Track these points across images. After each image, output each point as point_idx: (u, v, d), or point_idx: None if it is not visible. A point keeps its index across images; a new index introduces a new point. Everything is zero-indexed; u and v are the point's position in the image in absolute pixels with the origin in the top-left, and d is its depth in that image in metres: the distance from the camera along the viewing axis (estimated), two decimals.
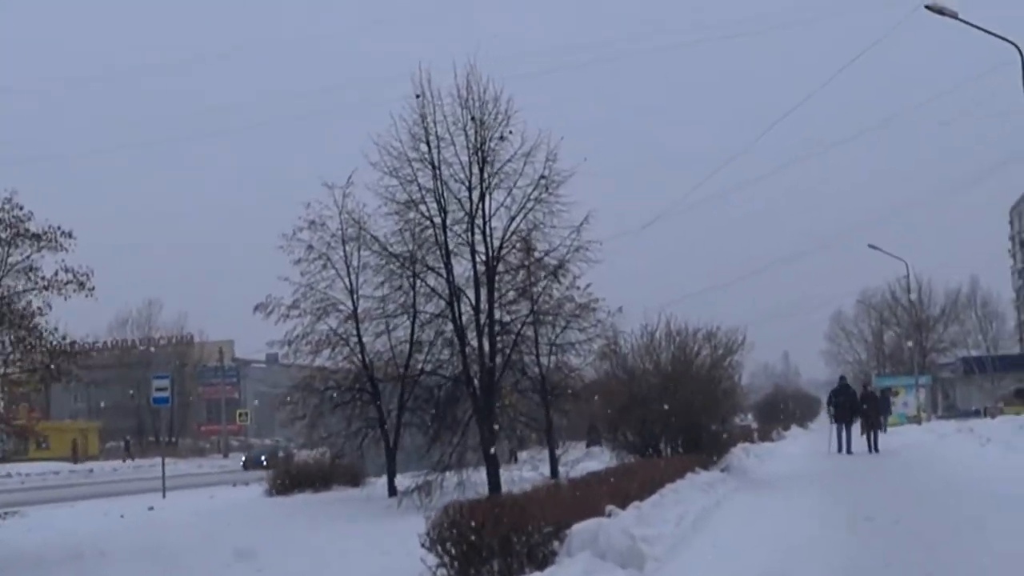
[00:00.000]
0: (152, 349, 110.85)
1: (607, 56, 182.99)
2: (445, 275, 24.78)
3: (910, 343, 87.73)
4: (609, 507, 13.21)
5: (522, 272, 26.16)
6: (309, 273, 28.23)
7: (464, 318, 24.90)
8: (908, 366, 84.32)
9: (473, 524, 10.96)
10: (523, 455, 38.29)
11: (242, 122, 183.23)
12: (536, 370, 31.56)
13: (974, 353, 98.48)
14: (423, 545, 11.37)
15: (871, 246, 71.69)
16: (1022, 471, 22.69)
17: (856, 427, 38.96)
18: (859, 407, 39.82)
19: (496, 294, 24.85)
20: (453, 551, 11.19)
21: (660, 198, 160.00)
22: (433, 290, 25.32)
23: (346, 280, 28.17)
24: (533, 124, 24.15)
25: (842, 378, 44.87)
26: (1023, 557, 12.11)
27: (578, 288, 30.47)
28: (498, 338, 25.10)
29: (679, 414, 25.98)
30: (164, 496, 34.45)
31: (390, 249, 25.70)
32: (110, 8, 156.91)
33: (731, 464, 28.62)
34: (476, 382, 24.48)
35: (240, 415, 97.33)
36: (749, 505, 19.86)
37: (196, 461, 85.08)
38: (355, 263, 27.91)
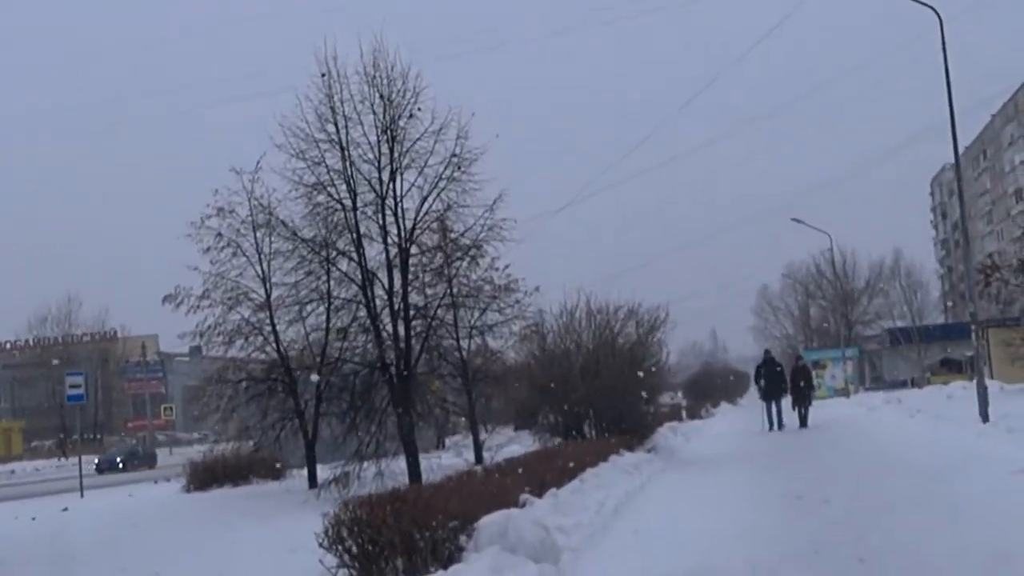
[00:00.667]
0: (71, 346, 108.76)
1: (523, 36, 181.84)
2: (357, 259, 23.96)
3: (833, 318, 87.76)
4: (524, 496, 12.50)
5: (439, 254, 25.42)
6: (219, 262, 27.23)
7: (379, 303, 24.11)
8: (835, 339, 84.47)
9: (373, 520, 10.16)
10: (451, 441, 37.75)
11: (157, 111, 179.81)
12: (457, 355, 31.11)
13: (899, 324, 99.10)
14: (321, 544, 10.50)
15: (794, 220, 71.57)
16: (951, 443, 22.28)
17: (786, 402, 37.86)
18: (787, 381, 38.45)
19: (410, 277, 24.09)
20: (354, 550, 10.34)
21: (580, 178, 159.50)
22: (346, 275, 24.50)
23: (257, 268, 27.21)
24: (446, 104, 23.51)
25: (767, 352, 42.93)
26: (956, 538, 11.49)
27: (496, 269, 30.05)
28: (414, 322, 24.32)
29: (602, 395, 25.28)
30: (82, 496, 33.68)
31: (300, 234, 24.78)
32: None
33: (658, 444, 27.99)
34: (392, 368, 23.69)
35: (165, 410, 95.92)
36: (675, 487, 19.13)
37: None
38: (266, 250, 26.94)
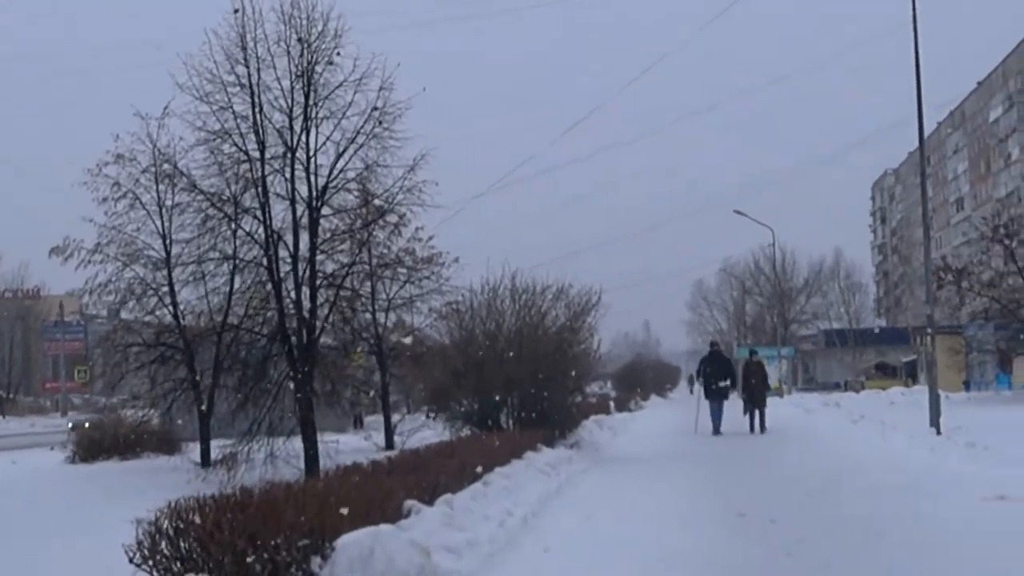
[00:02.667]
0: None
1: (466, 14, 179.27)
2: (262, 218, 21.64)
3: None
4: (409, 503, 10.20)
5: (358, 220, 23.20)
6: (115, 214, 24.88)
7: (286, 267, 21.78)
8: (770, 337, 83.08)
9: (201, 532, 7.74)
10: (369, 421, 35.69)
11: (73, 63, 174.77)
12: (373, 329, 29.10)
13: (836, 326, 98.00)
14: (131, 560, 8.07)
15: (737, 212, 69.96)
16: (906, 457, 20.25)
17: (729, 404, 32.99)
18: (735, 378, 34.52)
19: (320, 241, 21.82)
20: (174, 568, 7.96)
21: (517, 159, 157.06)
22: (249, 234, 22.14)
23: (157, 222, 24.89)
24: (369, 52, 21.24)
25: (714, 344, 37.63)
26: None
27: (420, 240, 28.10)
28: (322, 291, 22.05)
29: (523, 382, 22.94)
30: None
31: (203, 188, 22.39)
32: None
33: (582, 439, 25.67)
34: (293, 339, 21.43)
35: (78, 372, 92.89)
36: (597, 492, 16.54)
37: (31, 420, 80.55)
38: (168, 204, 24.61)
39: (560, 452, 21.06)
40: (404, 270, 28.23)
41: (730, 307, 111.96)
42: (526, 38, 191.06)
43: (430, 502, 10.77)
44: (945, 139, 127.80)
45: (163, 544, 7.81)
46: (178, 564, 7.73)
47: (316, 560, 7.95)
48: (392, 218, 24.88)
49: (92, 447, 28.37)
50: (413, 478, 11.13)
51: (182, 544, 7.75)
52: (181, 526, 7.78)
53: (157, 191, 24.74)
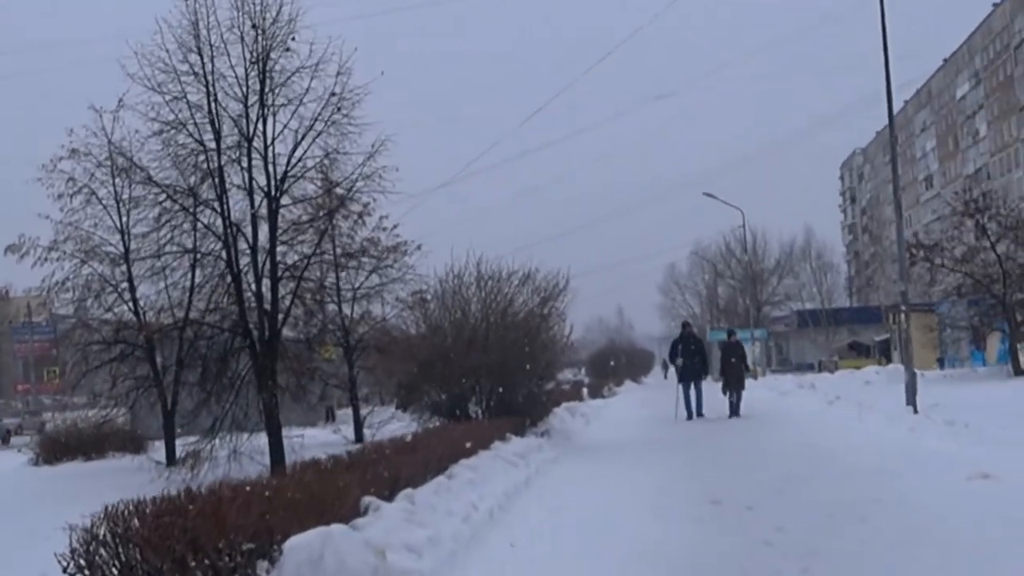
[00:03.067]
0: None
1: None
2: (219, 209, 21.13)
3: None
4: (367, 499, 9.68)
5: (319, 209, 22.71)
6: (72, 210, 24.43)
7: (245, 259, 21.28)
8: (743, 319, 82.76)
9: (140, 538, 7.21)
10: (341, 413, 35.24)
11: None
12: (339, 320, 28.66)
13: (808, 306, 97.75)
14: (65, 570, 7.52)
15: (706, 194, 69.59)
16: (884, 437, 19.84)
17: (707, 386, 32.03)
18: (707, 360, 33.11)
19: (280, 231, 21.32)
20: None
21: (483, 148, 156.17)
22: (207, 227, 21.66)
23: (115, 218, 24.39)
24: (326, 37, 20.75)
25: (686, 325, 35.30)
26: (923, 566, 8.94)
27: (384, 229, 27.65)
28: (287, 283, 21.57)
29: (491, 370, 22.42)
30: None
31: (160, 180, 21.87)
32: None
33: (552, 427, 25.07)
34: (255, 333, 20.95)
35: (49, 373, 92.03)
36: (567, 482, 15.92)
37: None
38: (125, 198, 24.11)
39: (530, 441, 20.49)
40: (368, 259, 27.71)
41: (702, 290, 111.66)
42: (492, 24, 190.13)
43: (390, 498, 10.26)
44: (912, 117, 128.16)
45: (100, 551, 7.29)
46: (116, 572, 7.21)
47: (263, 564, 7.37)
48: (355, 207, 24.45)
49: (56, 448, 27.97)
50: (372, 473, 10.63)
51: (120, 551, 7.23)
52: (119, 532, 7.26)
53: (114, 185, 24.35)
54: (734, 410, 30.71)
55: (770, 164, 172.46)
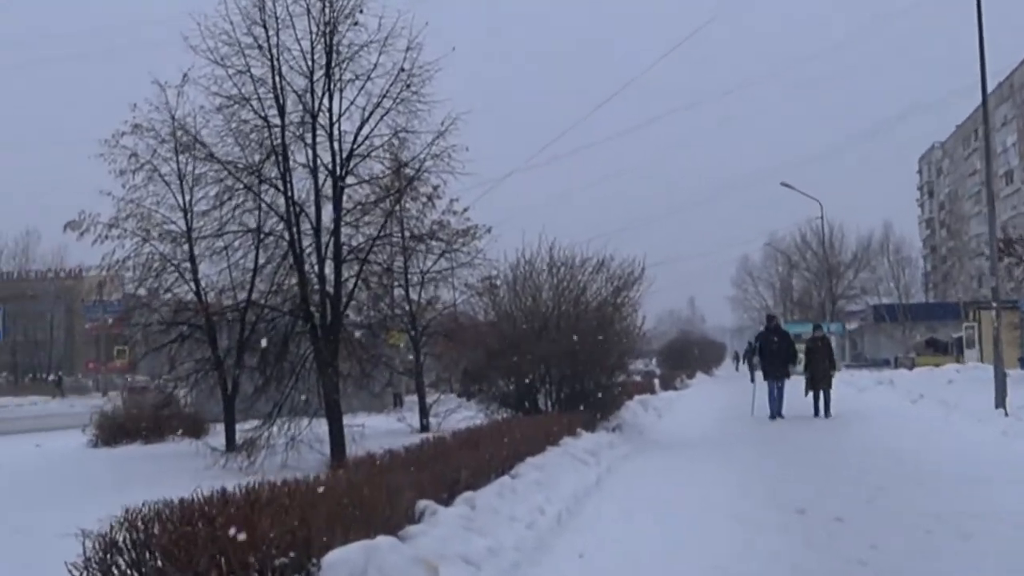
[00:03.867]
0: (29, 282, 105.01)
1: None
2: (283, 188, 20.34)
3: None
4: (423, 504, 8.81)
5: (388, 191, 21.90)
6: (134, 186, 23.74)
7: (308, 240, 20.56)
8: (817, 312, 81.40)
9: (160, 546, 6.34)
10: (410, 400, 34.51)
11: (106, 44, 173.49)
12: (406, 306, 27.94)
13: (885, 301, 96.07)
14: None
15: (784, 184, 68.37)
16: (975, 441, 18.67)
17: (791, 384, 29.42)
18: (796, 355, 30.21)
19: (344, 212, 20.51)
20: None
21: (558, 131, 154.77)
22: (270, 207, 20.89)
23: (177, 195, 23.66)
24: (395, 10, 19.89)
25: (771, 317, 33.28)
26: None
27: (455, 212, 26.88)
28: (352, 266, 20.77)
29: (562, 360, 21.50)
30: None
31: (222, 157, 21.14)
32: None
33: (624, 421, 24.04)
34: (316, 317, 20.16)
35: (118, 352, 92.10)
36: (640, 483, 14.87)
37: (70, 401, 79.98)
38: (189, 175, 23.40)
39: (601, 437, 19.54)
40: (437, 243, 26.94)
41: (776, 283, 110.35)
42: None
43: (448, 501, 9.37)
44: (993, 111, 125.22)
45: (118, 560, 6.43)
46: None
47: None
48: (425, 189, 23.84)
49: (115, 431, 27.50)
50: (430, 472, 9.72)
51: (140, 560, 6.36)
52: (140, 538, 6.38)
53: (177, 162, 23.55)
54: (820, 410, 28.46)
55: (849, 157, 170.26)
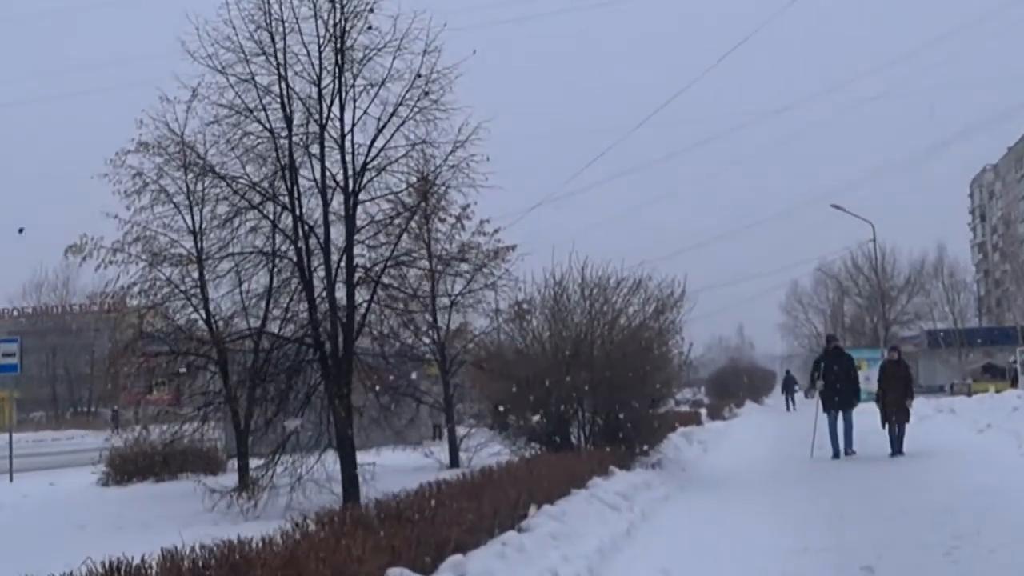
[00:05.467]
0: (72, 314, 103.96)
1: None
2: (289, 205, 18.69)
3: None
4: (394, 573, 7.02)
5: (408, 208, 20.26)
6: (140, 208, 22.09)
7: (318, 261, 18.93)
8: (870, 338, 79.30)
9: None
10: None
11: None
12: (435, 334, 26.37)
13: (940, 326, 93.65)
14: None
15: (834, 206, 66.54)
16: None
17: (861, 415, 25.69)
18: (858, 384, 26.09)
19: (358, 230, 18.88)
20: None
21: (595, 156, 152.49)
22: (275, 224, 19.25)
23: (186, 217, 22.01)
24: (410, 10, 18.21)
25: (831, 338, 29.16)
26: None
27: (485, 233, 25.35)
28: (369, 289, 19.08)
29: (594, 391, 19.60)
30: (11, 480, 29.50)
31: (228, 174, 19.50)
32: None
33: (665, 456, 22.14)
34: (327, 345, 18.49)
35: (157, 384, 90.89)
36: (680, 530, 12.90)
37: (105, 434, 78.76)
38: (198, 195, 21.72)
39: (637, 475, 17.44)
40: (469, 266, 25.44)
41: (827, 309, 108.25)
42: (607, 22, 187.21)
43: (431, 568, 7.56)
44: None
45: None
46: None
47: None
48: (454, 209, 23.45)
49: (125, 468, 26.33)
50: (409, 533, 7.81)
51: None
52: None
53: (186, 181, 21.87)
54: (896, 447, 24.31)
55: (900, 179, 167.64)
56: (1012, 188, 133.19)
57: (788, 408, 64.33)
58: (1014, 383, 60.23)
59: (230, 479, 21.73)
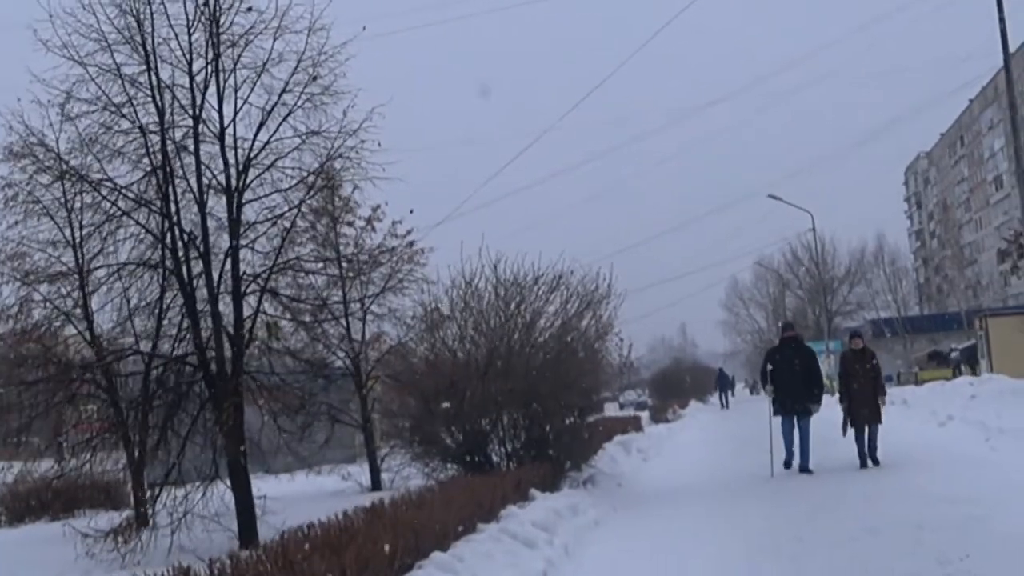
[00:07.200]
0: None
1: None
2: (164, 210, 16.63)
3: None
4: None
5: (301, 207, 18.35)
6: (11, 223, 19.72)
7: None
8: (813, 331, 77.97)
9: None
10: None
11: None
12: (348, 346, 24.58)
13: (883, 315, 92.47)
14: None
15: (772, 196, 65.02)
16: None
17: (822, 418, 21.10)
18: (821, 380, 21.67)
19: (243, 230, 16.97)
20: None
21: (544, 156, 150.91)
22: (148, 231, 17.26)
23: (65, 231, 19.72)
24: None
25: (788, 327, 23.69)
26: None
27: (397, 235, 23.58)
28: (248, 297, 17.00)
29: (513, 402, 17.44)
30: None
31: (95, 181, 17.44)
32: None
33: (598, 470, 20.03)
34: (213, 365, 16.51)
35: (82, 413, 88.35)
36: (609, 566, 11.05)
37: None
38: (77, 206, 19.44)
39: (563, 498, 15.13)
40: (380, 272, 23.73)
41: (768, 304, 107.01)
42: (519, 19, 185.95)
43: None
44: (979, 116, 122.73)
45: None
46: None
47: None
48: (364, 211, 22.91)
49: (19, 507, 24.40)
50: None
51: None
52: None
53: (63, 191, 19.56)
54: (867, 456, 20.16)
55: (835, 169, 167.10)
56: (947, 173, 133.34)
57: (723, 406, 64.87)
58: (956, 372, 59.00)
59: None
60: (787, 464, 20.50)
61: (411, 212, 23.84)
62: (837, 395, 21.59)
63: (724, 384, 69.41)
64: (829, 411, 21.28)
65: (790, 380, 20.64)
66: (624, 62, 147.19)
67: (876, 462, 19.88)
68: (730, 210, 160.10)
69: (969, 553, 9.87)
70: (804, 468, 20.20)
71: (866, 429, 20.15)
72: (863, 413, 20.21)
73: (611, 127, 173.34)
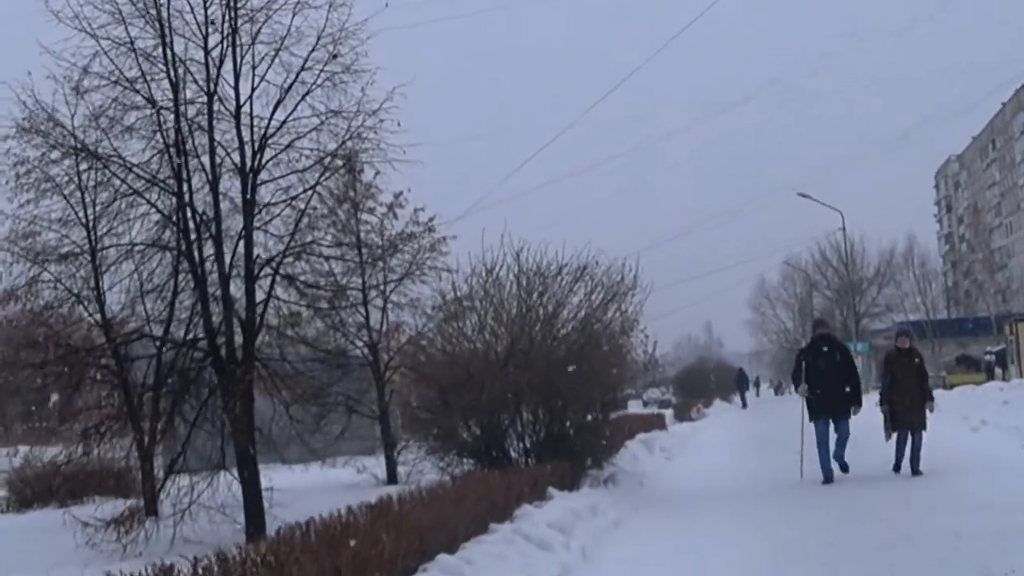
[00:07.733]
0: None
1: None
2: (177, 189, 16.15)
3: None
4: None
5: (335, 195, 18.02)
6: (25, 201, 19.01)
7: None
8: (841, 333, 77.25)
9: None
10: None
11: None
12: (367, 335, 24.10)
13: (912, 318, 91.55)
14: None
15: (801, 194, 64.38)
16: None
17: (862, 422, 19.74)
18: (859, 383, 20.02)
19: (258, 212, 16.45)
20: None
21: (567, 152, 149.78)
22: (161, 212, 16.77)
23: (78, 211, 19.08)
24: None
25: (820, 323, 23.15)
26: None
27: (418, 223, 23.08)
28: (261, 281, 16.50)
29: (533, 395, 16.85)
30: None
31: (106, 157, 16.93)
32: None
33: (620, 469, 19.46)
34: (223, 350, 16.07)
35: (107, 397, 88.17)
36: (630, 572, 10.63)
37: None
38: (91, 184, 18.83)
39: (582, 497, 14.54)
40: (399, 259, 23.30)
41: (795, 303, 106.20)
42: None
43: None
44: (1011, 120, 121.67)
45: None
46: None
47: None
48: (386, 197, 22.47)
49: (27, 492, 23.96)
50: None
51: None
52: None
53: (77, 170, 19.04)
54: (907, 464, 18.70)
55: (867, 169, 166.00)
56: (978, 177, 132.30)
57: (743, 405, 65.14)
58: (990, 375, 58.34)
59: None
60: (826, 480, 18.58)
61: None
62: (877, 397, 20.11)
63: (743, 383, 69.15)
64: (867, 413, 19.89)
65: (828, 379, 19.09)
66: (650, 58, 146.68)
67: (919, 472, 18.38)
68: (759, 208, 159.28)
69: (1015, 568, 9.14)
70: (842, 469, 19.08)
71: (910, 437, 18.73)
72: (908, 419, 18.75)
73: (636, 123, 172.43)
